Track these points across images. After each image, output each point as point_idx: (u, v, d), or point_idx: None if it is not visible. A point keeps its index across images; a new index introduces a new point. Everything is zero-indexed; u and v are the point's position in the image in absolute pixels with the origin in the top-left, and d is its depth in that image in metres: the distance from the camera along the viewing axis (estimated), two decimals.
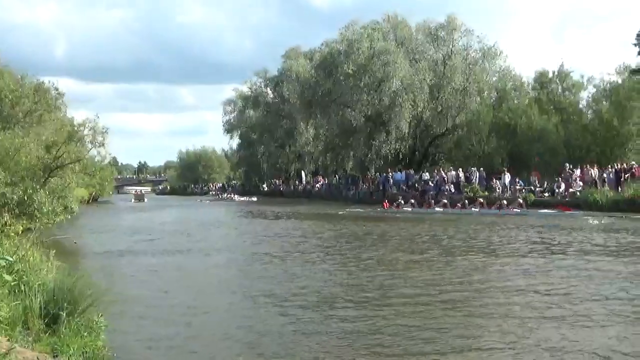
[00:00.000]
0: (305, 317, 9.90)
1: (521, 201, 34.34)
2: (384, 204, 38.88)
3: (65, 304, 7.55)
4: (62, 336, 7.09)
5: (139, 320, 10.00)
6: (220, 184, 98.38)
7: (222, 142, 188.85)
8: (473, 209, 34.82)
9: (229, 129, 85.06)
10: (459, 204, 35.96)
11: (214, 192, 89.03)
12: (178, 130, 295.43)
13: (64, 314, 7.43)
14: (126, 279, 14.41)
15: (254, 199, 64.24)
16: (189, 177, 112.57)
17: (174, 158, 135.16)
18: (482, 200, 35.75)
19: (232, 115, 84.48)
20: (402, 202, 38.97)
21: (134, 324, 9.68)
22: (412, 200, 39.15)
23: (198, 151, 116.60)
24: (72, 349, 6.69)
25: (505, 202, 34.17)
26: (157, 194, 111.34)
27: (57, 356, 6.53)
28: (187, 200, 70.03)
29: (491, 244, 19.49)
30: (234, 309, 10.90)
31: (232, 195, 69.98)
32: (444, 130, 54.32)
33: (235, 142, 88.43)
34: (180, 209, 50.58)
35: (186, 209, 50.42)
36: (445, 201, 37.23)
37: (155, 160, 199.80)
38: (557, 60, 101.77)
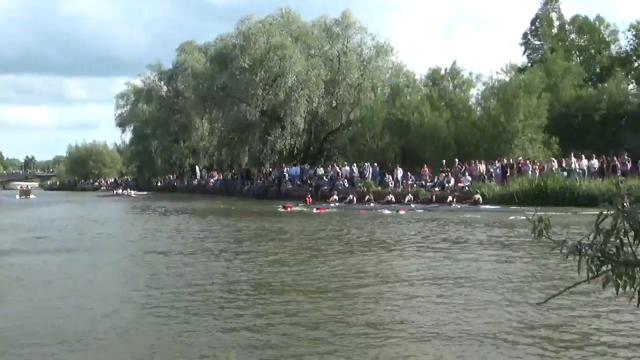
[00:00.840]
0: (181, 315, 9.58)
1: (451, 198, 33.76)
2: (307, 199, 37.48)
3: None
4: None
5: (26, 320, 9.42)
6: (112, 179, 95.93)
7: (115, 137, 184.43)
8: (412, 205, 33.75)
9: (122, 123, 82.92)
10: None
11: (105, 188, 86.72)
12: (68, 124, 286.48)
13: None
14: (13, 278, 13.64)
15: (145, 194, 62.87)
16: (79, 172, 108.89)
17: (63, 153, 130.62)
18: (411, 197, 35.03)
19: (125, 109, 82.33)
20: (337, 197, 37.44)
21: (19, 328, 9.05)
22: (352, 196, 37.23)
23: (88, 146, 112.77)
24: None
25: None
26: (46, 189, 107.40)
27: None
28: (79, 196, 67.83)
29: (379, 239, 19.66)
30: (110, 309, 10.24)
31: (128, 191, 68.12)
32: (338, 126, 54.61)
33: (128, 136, 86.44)
34: (71, 205, 48.64)
35: (78, 205, 48.59)
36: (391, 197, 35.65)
37: (44, 155, 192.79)
38: (449, 57, 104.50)
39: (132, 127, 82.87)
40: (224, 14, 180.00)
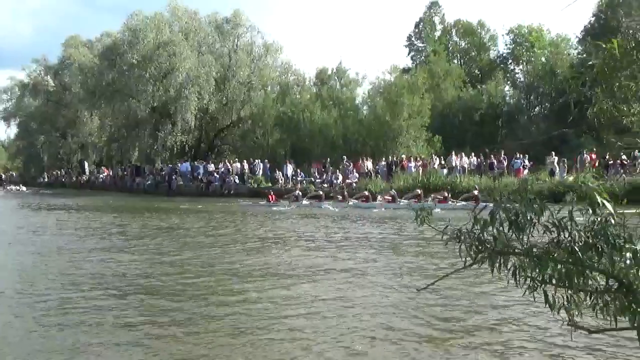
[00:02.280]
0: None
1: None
2: (269, 196, 33.38)
3: None
4: None
5: None
6: None
7: None
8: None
9: (6, 117, 79.18)
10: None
11: None
12: None
13: None
14: None
15: (36, 190, 60.26)
16: None
17: None
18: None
19: (9, 103, 78.83)
20: (299, 194, 33.69)
21: None
22: (335, 195, 33.34)
23: None
24: None
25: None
26: None
27: None
28: None
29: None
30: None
31: (20, 187, 64.97)
32: (229, 123, 54.36)
33: (13, 131, 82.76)
34: None
35: None
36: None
37: None
38: (335, 56, 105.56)
39: (17, 121, 79.45)
40: (113, 9, 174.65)
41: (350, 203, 30.78)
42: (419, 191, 30.47)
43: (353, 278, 11.88)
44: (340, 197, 32.10)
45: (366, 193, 31.64)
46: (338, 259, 14.28)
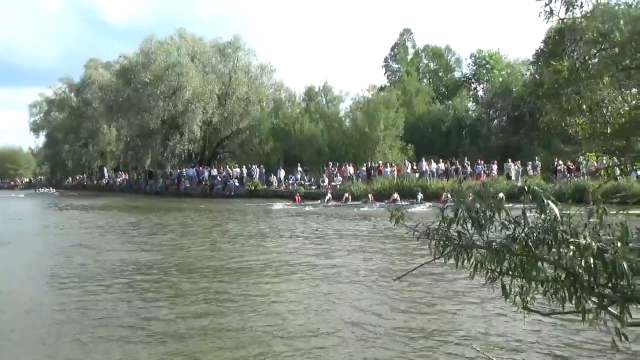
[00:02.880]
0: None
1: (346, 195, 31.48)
2: (296, 197, 32.52)
3: None
4: None
5: None
6: (27, 179, 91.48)
7: (29, 141, 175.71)
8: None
9: (36, 129, 79.07)
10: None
11: (21, 187, 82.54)
12: None
13: None
14: None
15: (65, 192, 59.89)
16: None
17: None
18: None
19: (38, 116, 78.63)
20: (330, 196, 31.50)
21: None
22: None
23: (4, 149, 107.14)
24: None
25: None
26: None
27: None
28: None
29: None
30: (30, 298, 9.76)
31: (51, 189, 64.46)
32: (230, 133, 54.33)
33: (41, 140, 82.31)
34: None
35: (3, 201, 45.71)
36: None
37: None
38: (322, 76, 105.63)
39: (45, 132, 79.18)
40: (125, 34, 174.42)
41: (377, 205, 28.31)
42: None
43: (340, 269, 11.87)
44: (368, 199, 30.10)
45: (395, 196, 29.51)
46: (328, 254, 14.27)
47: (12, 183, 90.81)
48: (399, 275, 9.24)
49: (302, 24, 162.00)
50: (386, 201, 28.58)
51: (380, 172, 36.42)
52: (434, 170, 35.75)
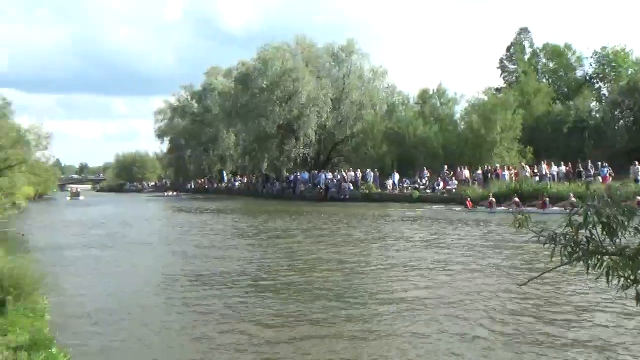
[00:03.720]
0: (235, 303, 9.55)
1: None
2: (467, 202, 29.99)
3: (11, 289, 7.36)
4: (9, 318, 6.94)
5: (79, 303, 9.62)
6: (153, 182, 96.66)
7: (154, 146, 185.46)
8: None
9: (160, 134, 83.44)
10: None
11: (147, 190, 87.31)
12: (113, 136, 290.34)
13: (11, 298, 7.26)
14: (68, 267, 13.78)
15: (191, 195, 62.66)
16: (124, 176, 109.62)
17: (111, 159, 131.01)
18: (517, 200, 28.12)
19: (163, 122, 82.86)
20: (493, 200, 28.98)
21: (74, 306, 9.33)
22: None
23: (133, 154, 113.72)
24: (18, 328, 6.52)
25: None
26: (97, 191, 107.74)
27: (5, 335, 6.36)
28: (125, 197, 68.15)
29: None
30: (167, 296, 10.37)
31: (177, 192, 67.38)
32: (343, 137, 54.75)
33: (165, 146, 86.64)
34: (120, 204, 48.68)
35: (127, 204, 48.65)
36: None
37: (95, 162, 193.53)
38: (435, 78, 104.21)
39: (169, 138, 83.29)
40: (241, 41, 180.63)
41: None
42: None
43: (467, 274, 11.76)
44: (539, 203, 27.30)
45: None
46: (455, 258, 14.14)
47: (140, 186, 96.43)
48: (524, 281, 9.04)
49: (415, 26, 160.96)
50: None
51: (497, 175, 35.45)
52: (554, 173, 34.40)
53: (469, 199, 30.77)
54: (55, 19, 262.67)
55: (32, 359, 5.39)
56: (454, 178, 37.54)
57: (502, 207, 27.65)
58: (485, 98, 44.07)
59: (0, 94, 27.98)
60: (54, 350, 5.81)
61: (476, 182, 36.21)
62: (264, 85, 51.03)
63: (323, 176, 45.89)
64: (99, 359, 6.92)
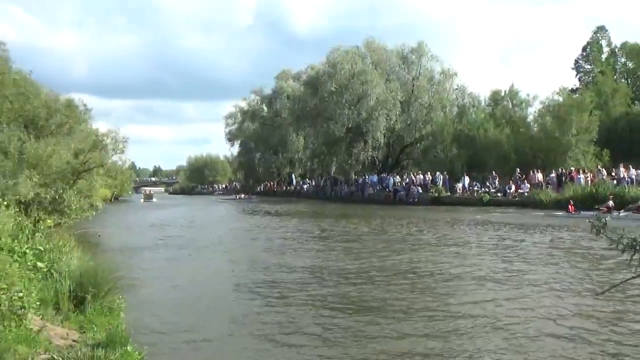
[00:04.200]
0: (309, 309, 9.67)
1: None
2: (570, 207, 27.49)
3: (90, 288, 7.60)
4: (87, 315, 7.23)
5: (153, 303, 9.99)
6: (223, 185, 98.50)
7: (224, 150, 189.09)
8: None
9: (231, 138, 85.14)
10: None
11: (218, 192, 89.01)
12: (184, 140, 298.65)
13: (89, 297, 7.51)
14: (143, 267, 14.24)
15: (265, 198, 63.28)
16: (196, 179, 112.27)
17: (184, 163, 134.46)
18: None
19: (233, 127, 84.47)
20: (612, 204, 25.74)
21: (148, 306, 9.69)
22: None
23: (204, 157, 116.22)
24: (96, 326, 6.75)
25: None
26: (170, 193, 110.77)
27: (84, 332, 6.59)
28: (197, 199, 69.57)
29: None
30: (239, 298, 10.65)
31: (249, 195, 67.79)
32: (412, 140, 54.25)
33: (235, 149, 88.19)
34: (192, 206, 49.90)
35: (199, 206, 49.78)
36: None
37: (168, 165, 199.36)
38: (506, 81, 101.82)
39: (239, 141, 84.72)
40: (310, 45, 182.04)
41: None
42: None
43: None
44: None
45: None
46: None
47: (210, 189, 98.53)
48: (603, 290, 8.75)
49: (486, 26, 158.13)
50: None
51: (572, 178, 34.35)
52: (633, 177, 33.03)
53: (571, 203, 27.71)
54: (131, 27, 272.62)
55: (109, 356, 5.54)
56: (526, 181, 36.67)
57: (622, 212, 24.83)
58: (560, 99, 42.84)
59: (81, 100, 29.00)
60: (129, 348, 5.99)
61: (550, 186, 35.24)
62: (333, 89, 51.27)
63: (391, 179, 45.69)
64: (172, 359, 7.10)
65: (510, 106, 48.34)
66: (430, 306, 9.41)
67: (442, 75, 54.36)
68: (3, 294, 5.66)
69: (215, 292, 11.13)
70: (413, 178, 43.61)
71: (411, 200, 40.80)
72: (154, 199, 67.51)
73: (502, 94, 49.24)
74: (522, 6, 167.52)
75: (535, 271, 12.61)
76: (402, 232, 21.94)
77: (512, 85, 48.71)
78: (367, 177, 49.65)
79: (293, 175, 73.05)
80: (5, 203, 10.54)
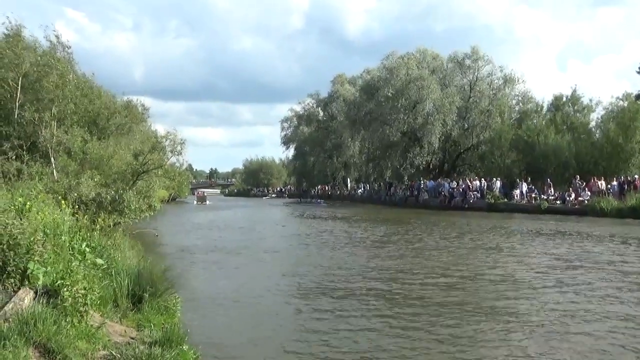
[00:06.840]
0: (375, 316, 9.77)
1: None
2: None
3: (147, 286, 7.79)
4: (145, 314, 7.34)
5: (208, 303, 10.13)
6: (278, 188, 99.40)
7: (279, 153, 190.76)
8: None
9: (286, 142, 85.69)
10: None
11: (272, 195, 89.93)
12: (239, 142, 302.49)
13: (147, 295, 7.68)
14: (198, 268, 14.53)
15: (330, 202, 62.77)
16: (251, 181, 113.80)
17: (239, 165, 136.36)
18: None
19: (289, 130, 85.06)
20: None
21: (204, 306, 9.83)
22: None
23: (260, 160, 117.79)
24: (153, 324, 6.86)
25: None
26: (226, 195, 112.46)
27: (141, 330, 6.71)
28: (251, 201, 70.25)
29: None
30: (293, 300, 10.74)
31: (318, 200, 65.95)
32: (469, 146, 53.67)
33: (290, 152, 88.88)
34: (246, 209, 50.51)
35: (253, 209, 50.31)
36: None
37: (223, 167, 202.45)
38: (564, 87, 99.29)
39: (294, 145, 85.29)
40: (362, 49, 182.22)
41: None
42: None
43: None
44: None
45: None
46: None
47: (265, 191, 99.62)
48: None
49: (548, 31, 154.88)
50: None
51: (636, 187, 33.37)
52: None
53: None
54: (185, 30, 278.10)
55: (165, 355, 5.63)
56: (586, 189, 35.79)
57: None
58: (625, 104, 41.67)
59: (140, 102, 29.91)
60: (185, 347, 6.10)
61: (611, 194, 34.33)
62: (390, 94, 51.19)
63: (447, 185, 45.30)
64: (226, 358, 7.21)
65: (572, 112, 47.30)
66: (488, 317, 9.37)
67: (502, 81, 53.50)
68: (67, 291, 5.84)
69: (269, 294, 11.17)
70: (469, 183, 43.14)
71: (466, 205, 40.35)
72: (208, 202, 67.96)
73: (564, 99, 48.21)
74: (582, 8, 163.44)
75: (593, 284, 12.23)
76: (460, 238, 21.42)
77: (575, 91, 47.70)
78: (422, 181, 49.34)
79: (348, 179, 73.23)
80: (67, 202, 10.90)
